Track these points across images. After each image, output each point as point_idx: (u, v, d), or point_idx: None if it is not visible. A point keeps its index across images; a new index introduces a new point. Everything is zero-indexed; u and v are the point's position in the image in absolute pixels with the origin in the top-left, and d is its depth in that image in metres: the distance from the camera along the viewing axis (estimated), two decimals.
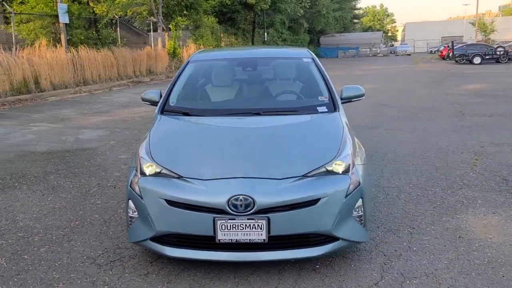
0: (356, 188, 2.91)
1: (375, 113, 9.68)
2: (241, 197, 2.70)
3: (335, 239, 2.86)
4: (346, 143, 3.14)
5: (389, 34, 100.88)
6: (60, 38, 15.21)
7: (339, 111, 3.64)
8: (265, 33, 36.23)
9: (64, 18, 14.76)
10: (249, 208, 2.70)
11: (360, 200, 2.95)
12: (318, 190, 2.78)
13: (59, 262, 3.21)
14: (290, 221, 2.74)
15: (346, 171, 2.94)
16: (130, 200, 3.01)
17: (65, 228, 3.81)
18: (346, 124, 3.56)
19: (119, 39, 19.03)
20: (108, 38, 17.57)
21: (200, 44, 23.33)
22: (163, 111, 3.79)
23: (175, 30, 21.27)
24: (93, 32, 17.47)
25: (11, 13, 13.30)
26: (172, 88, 4.02)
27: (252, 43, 33.85)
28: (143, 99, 4.21)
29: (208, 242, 2.77)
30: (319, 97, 3.86)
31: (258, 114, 3.61)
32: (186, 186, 2.81)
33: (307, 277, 2.94)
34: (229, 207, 2.69)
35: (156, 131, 3.43)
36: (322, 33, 54.20)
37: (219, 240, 2.73)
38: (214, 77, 4.24)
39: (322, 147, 3.09)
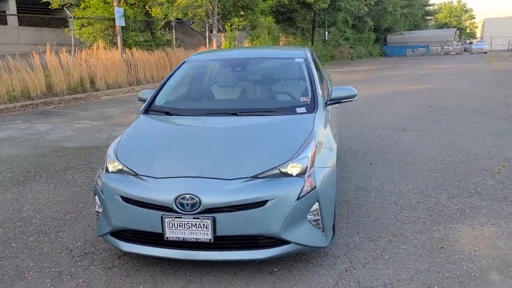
0: (311, 191, 2.85)
1: (416, 114, 9.26)
2: (187, 196, 2.75)
3: (286, 242, 2.82)
4: (308, 145, 3.08)
5: (467, 31, 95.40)
6: (116, 40, 16.10)
7: (315, 113, 3.57)
8: (326, 32, 35.77)
9: (120, 21, 15.59)
10: (195, 208, 2.75)
11: (317, 204, 2.89)
12: (266, 191, 2.77)
13: (39, 252, 3.45)
14: (236, 222, 2.75)
15: (301, 174, 2.89)
16: (95, 195, 3.17)
17: (60, 220, 4.08)
18: (324, 125, 3.49)
19: (174, 41, 19.72)
20: (162, 40, 18.27)
21: (256, 44, 23.54)
22: (147, 110, 3.93)
23: (231, 31, 21.66)
24: (148, 34, 18.28)
25: (71, 17, 14.35)
26: (161, 88, 4.16)
27: (312, 43, 33.56)
28: (139, 99, 4.38)
29: (158, 239, 2.85)
30: (301, 98, 3.81)
31: (235, 114, 3.63)
32: (140, 184, 2.92)
33: (260, 279, 2.93)
34: (176, 206, 2.76)
35: (129, 130, 3.58)
36: (389, 31, 52.49)
37: (167, 237, 2.81)
38: (202, 77, 4.33)
39: (281, 149, 3.06)
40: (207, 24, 21.86)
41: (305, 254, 3.18)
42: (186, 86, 4.32)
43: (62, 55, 12.96)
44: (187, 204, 2.75)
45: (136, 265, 3.16)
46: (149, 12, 18.49)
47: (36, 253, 3.43)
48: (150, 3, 18.37)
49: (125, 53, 15.66)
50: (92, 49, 14.79)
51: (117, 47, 15.80)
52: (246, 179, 2.82)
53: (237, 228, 2.76)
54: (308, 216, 2.88)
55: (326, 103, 3.87)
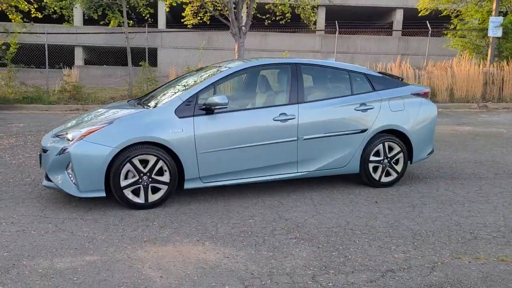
0: (65, 153, 4.70)
1: None
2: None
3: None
4: (93, 126, 4.80)
5: None
6: (487, 52, 15.54)
7: (151, 110, 5.07)
8: None
9: (495, 32, 14.91)
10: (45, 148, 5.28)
11: (70, 163, 4.71)
12: (50, 145, 4.95)
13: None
14: (45, 160, 5.06)
15: (70, 140, 4.77)
16: None
17: None
18: (154, 120, 4.90)
19: None
20: None
21: None
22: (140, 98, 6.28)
23: None
24: None
25: (428, 29, 15.33)
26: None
27: None
28: None
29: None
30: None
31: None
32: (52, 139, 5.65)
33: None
34: (44, 146, 5.38)
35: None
36: None
37: (41, 166, 5.49)
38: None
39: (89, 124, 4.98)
40: None
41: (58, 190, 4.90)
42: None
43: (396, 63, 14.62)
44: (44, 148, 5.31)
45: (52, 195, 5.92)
46: None
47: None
48: None
49: (493, 66, 15.04)
50: (452, 60, 15.30)
51: (486, 59, 15.37)
52: (55, 136, 5.07)
53: (45, 163, 5.07)
54: (67, 170, 4.77)
55: (193, 110, 4.92)
